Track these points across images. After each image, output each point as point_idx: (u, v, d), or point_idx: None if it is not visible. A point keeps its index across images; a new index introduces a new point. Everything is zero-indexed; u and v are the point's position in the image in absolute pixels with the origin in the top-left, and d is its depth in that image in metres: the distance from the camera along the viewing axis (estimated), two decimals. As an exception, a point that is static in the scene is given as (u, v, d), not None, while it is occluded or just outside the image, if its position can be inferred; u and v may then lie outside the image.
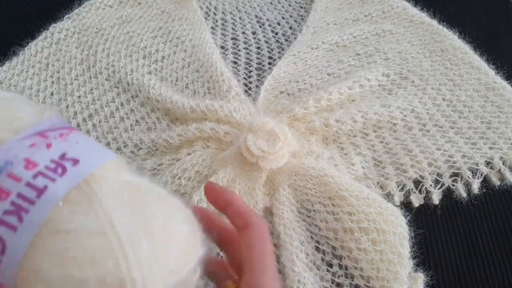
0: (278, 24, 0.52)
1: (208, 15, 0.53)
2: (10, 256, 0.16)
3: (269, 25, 0.52)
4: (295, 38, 0.48)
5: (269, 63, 0.47)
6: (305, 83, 0.43)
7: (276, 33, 0.51)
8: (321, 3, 0.52)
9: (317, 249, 0.32)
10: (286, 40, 0.49)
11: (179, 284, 0.17)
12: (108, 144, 0.40)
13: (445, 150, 0.38)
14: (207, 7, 0.54)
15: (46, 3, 0.53)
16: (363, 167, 0.38)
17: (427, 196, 0.36)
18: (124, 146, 0.40)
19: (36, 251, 0.15)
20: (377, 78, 0.43)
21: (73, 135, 0.19)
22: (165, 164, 0.38)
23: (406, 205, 0.36)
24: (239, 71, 0.46)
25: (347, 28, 0.49)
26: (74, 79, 0.45)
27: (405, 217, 0.33)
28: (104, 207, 0.16)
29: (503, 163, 0.37)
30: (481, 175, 0.36)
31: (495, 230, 0.35)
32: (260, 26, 0.52)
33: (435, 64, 0.44)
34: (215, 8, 0.54)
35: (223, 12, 0.53)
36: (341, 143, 0.39)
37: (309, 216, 0.33)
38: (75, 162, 0.17)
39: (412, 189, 0.37)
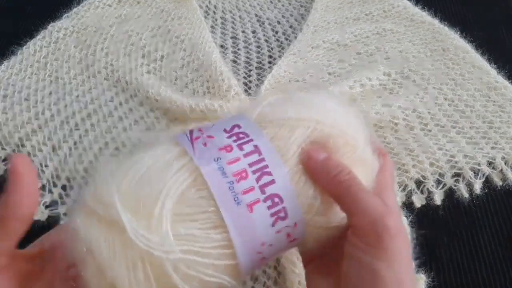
0: (278, 23, 0.52)
1: (208, 14, 0.53)
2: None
3: (269, 24, 0.51)
4: (296, 37, 0.48)
5: (269, 62, 0.47)
6: (305, 83, 0.43)
7: (276, 32, 0.50)
8: (322, 2, 0.51)
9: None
10: (287, 39, 0.49)
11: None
12: (106, 144, 0.40)
13: (446, 150, 0.37)
14: (206, 6, 0.54)
15: (45, 2, 0.52)
16: (364, 167, 0.37)
17: (429, 197, 0.36)
18: (123, 146, 0.39)
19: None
20: (378, 77, 0.42)
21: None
22: (164, 164, 0.37)
23: (407, 206, 0.36)
24: (238, 70, 0.46)
25: (348, 27, 0.48)
26: (73, 79, 0.45)
27: (407, 218, 0.33)
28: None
29: (505, 163, 0.37)
30: (483, 175, 0.36)
31: (497, 231, 0.35)
32: (260, 25, 0.51)
33: (436, 63, 0.44)
34: (215, 7, 0.54)
35: (222, 11, 0.53)
36: (342, 143, 0.39)
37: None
38: None
39: (413, 190, 0.36)
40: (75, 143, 0.40)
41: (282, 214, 0.21)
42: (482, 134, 0.39)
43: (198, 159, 0.20)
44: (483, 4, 0.52)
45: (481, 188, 0.36)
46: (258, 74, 0.46)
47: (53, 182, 0.37)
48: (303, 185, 0.21)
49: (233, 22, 0.52)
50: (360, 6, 0.51)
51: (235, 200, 0.20)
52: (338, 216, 0.22)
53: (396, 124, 0.40)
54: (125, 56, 0.46)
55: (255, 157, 0.21)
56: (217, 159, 0.21)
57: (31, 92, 0.43)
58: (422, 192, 0.36)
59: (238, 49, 0.48)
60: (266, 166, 0.21)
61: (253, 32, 0.50)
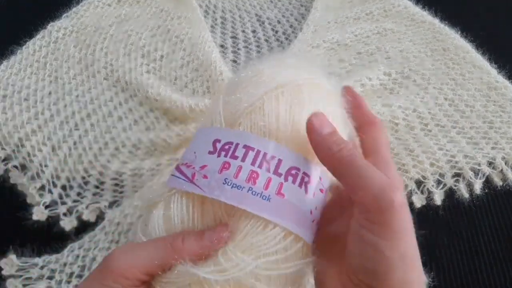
0: (279, 22, 0.51)
1: (208, 14, 0.52)
2: None
3: (269, 24, 0.51)
4: (296, 37, 0.48)
5: (269, 62, 0.47)
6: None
7: (276, 32, 0.50)
8: (322, 2, 0.51)
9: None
10: (287, 39, 0.49)
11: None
12: (106, 144, 0.40)
13: (447, 150, 0.37)
14: (206, 5, 0.53)
15: (44, 1, 0.52)
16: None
17: (429, 197, 0.36)
18: (122, 146, 0.39)
19: None
20: (378, 77, 0.42)
21: None
22: (164, 164, 0.37)
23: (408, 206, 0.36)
24: (238, 70, 0.46)
25: (348, 26, 0.48)
26: (72, 78, 0.44)
27: (407, 218, 0.33)
28: None
29: (505, 163, 0.37)
30: (483, 175, 0.36)
31: (497, 231, 0.35)
32: (260, 25, 0.51)
33: (436, 63, 0.44)
34: (215, 6, 0.53)
35: (222, 11, 0.53)
36: (342, 143, 0.39)
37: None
38: None
39: (414, 190, 0.36)
40: (74, 143, 0.40)
41: (306, 179, 0.22)
42: (482, 134, 0.39)
43: (210, 193, 0.21)
44: (483, 4, 0.52)
45: (481, 188, 0.36)
46: (258, 73, 0.45)
47: (53, 182, 0.37)
48: (304, 144, 0.22)
49: (233, 22, 0.52)
50: (360, 6, 0.51)
51: (264, 199, 0.21)
52: None
53: (396, 124, 0.39)
54: (124, 56, 0.46)
55: (251, 155, 0.22)
56: (225, 181, 0.21)
57: (30, 92, 0.43)
58: (422, 192, 0.36)
59: (238, 49, 0.48)
60: (265, 154, 0.22)
61: (253, 31, 0.50)
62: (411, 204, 0.36)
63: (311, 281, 0.24)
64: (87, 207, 0.36)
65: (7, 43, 0.47)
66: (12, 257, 0.33)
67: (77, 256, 0.34)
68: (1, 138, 0.39)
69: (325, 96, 0.25)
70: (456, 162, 0.37)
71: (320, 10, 0.50)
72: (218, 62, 0.43)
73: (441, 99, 0.41)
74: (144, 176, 0.37)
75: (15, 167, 0.38)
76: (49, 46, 0.47)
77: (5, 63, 0.45)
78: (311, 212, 0.22)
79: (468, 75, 0.43)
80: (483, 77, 0.42)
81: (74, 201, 0.37)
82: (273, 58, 0.27)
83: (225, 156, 0.22)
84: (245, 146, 0.22)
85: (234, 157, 0.22)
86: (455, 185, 0.36)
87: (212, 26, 0.51)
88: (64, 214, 0.36)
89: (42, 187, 0.37)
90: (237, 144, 0.22)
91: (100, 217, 0.36)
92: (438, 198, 0.36)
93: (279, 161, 0.22)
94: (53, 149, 0.39)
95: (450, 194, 0.36)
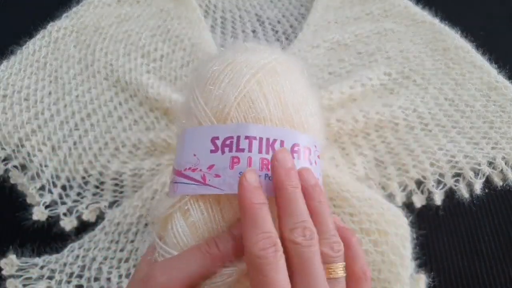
0: (279, 22, 0.51)
1: (208, 14, 0.52)
2: None
3: (269, 24, 0.51)
4: (296, 37, 0.48)
5: (269, 62, 0.46)
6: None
7: (277, 32, 0.50)
8: (322, 2, 0.51)
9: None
10: (287, 39, 0.49)
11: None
12: (106, 144, 0.40)
13: (447, 150, 0.37)
14: (206, 5, 0.53)
15: (44, 1, 0.52)
16: (364, 168, 0.37)
17: (429, 197, 0.36)
18: (122, 146, 0.39)
19: None
20: (378, 77, 0.42)
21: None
22: (164, 164, 0.37)
23: (408, 206, 0.36)
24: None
25: (348, 26, 0.48)
26: (72, 78, 0.44)
27: (407, 218, 0.33)
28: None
29: (505, 163, 0.37)
30: (483, 175, 0.36)
31: (497, 231, 0.35)
32: (260, 25, 0.51)
33: (437, 63, 0.44)
34: (215, 6, 0.53)
35: (222, 11, 0.53)
36: (342, 143, 0.39)
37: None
38: None
39: (414, 190, 0.36)
40: (74, 143, 0.40)
41: (306, 151, 0.23)
42: (482, 134, 0.39)
43: (229, 190, 0.22)
44: (483, 4, 0.52)
45: (481, 188, 0.36)
46: (258, 73, 0.45)
47: (53, 182, 0.37)
48: (294, 118, 0.23)
49: (233, 22, 0.52)
50: (360, 6, 0.51)
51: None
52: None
53: (396, 124, 0.39)
54: (124, 55, 0.46)
55: (255, 144, 0.22)
56: (240, 174, 0.22)
57: (30, 92, 0.43)
58: (422, 192, 0.36)
59: (238, 49, 0.48)
60: (268, 140, 0.22)
61: (253, 31, 0.50)
62: (411, 204, 0.36)
63: None
64: (87, 207, 0.36)
65: (7, 43, 0.46)
66: (12, 257, 0.33)
67: (77, 256, 0.34)
68: (1, 138, 0.39)
69: (293, 70, 0.26)
70: (456, 162, 0.37)
71: (320, 10, 0.50)
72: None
73: (441, 99, 0.41)
74: (144, 176, 0.37)
75: (15, 167, 0.38)
76: (49, 46, 0.47)
77: (5, 63, 0.45)
78: (318, 179, 0.23)
79: (468, 75, 0.43)
80: (483, 77, 0.42)
81: (74, 201, 0.37)
82: (231, 46, 0.28)
83: (230, 151, 0.22)
84: (247, 137, 0.22)
85: (240, 150, 0.22)
86: (455, 185, 0.36)
87: (212, 26, 0.51)
88: (64, 214, 0.36)
89: (42, 187, 0.37)
90: (238, 137, 0.22)
91: (100, 217, 0.36)
92: (438, 198, 0.36)
93: (281, 142, 0.23)
94: (53, 149, 0.39)
95: (450, 194, 0.36)
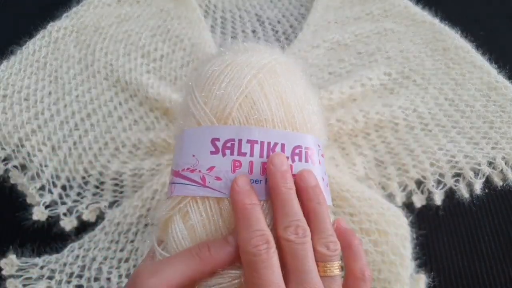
0: (279, 22, 0.51)
1: (207, 14, 0.52)
2: None
3: (269, 24, 0.51)
4: (296, 37, 0.48)
5: (269, 62, 0.46)
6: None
7: (276, 32, 0.50)
8: (322, 1, 0.51)
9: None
10: (287, 39, 0.49)
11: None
12: (106, 144, 0.40)
13: (447, 150, 0.37)
14: (206, 5, 0.53)
15: (44, 1, 0.52)
16: (364, 168, 0.37)
17: (429, 197, 0.36)
18: (123, 146, 0.39)
19: None
20: (378, 77, 0.42)
21: None
22: (164, 164, 0.37)
23: (408, 206, 0.36)
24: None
25: (348, 26, 0.48)
26: (72, 78, 0.44)
27: (407, 218, 0.33)
28: None
29: (505, 163, 0.37)
30: (483, 175, 0.36)
31: (497, 231, 0.35)
32: (260, 25, 0.51)
33: (437, 63, 0.44)
34: (215, 6, 0.53)
35: (222, 11, 0.53)
36: (342, 143, 0.39)
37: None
38: None
39: (414, 190, 0.36)
40: (74, 143, 0.40)
41: (309, 152, 0.23)
42: (482, 134, 0.39)
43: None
44: (483, 4, 0.52)
45: (481, 188, 0.36)
46: (258, 73, 0.45)
47: (53, 182, 0.37)
48: (296, 119, 0.23)
49: (233, 22, 0.52)
50: (360, 6, 0.51)
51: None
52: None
53: (396, 124, 0.39)
54: (124, 55, 0.46)
55: (257, 148, 0.22)
56: None
57: (30, 92, 0.43)
58: (422, 192, 0.36)
59: (238, 49, 0.48)
60: (269, 143, 0.22)
61: (253, 31, 0.50)
62: (411, 204, 0.36)
63: None
64: (87, 207, 0.36)
65: (7, 43, 0.46)
66: (12, 257, 0.33)
67: (77, 256, 0.34)
68: (1, 138, 0.39)
69: (293, 70, 0.25)
70: (456, 162, 0.37)
71: (320, 10, 0.50)
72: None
73: (441, 99, 0.41)
74: (144, 176, 0.37)
75: (15, 167, 0.38)
76: (49, 46, 0.47)
77: (5, 63, 0.45)
78: (323, 179, 0.23)
79: (468, 75, 0.43)
80: (483, 77, 0.42)
81: (74, 201, 0.37)
82: (229, 47, 0.27)
83: (231, 154, 0.22)
84: (249, 141, 0.22)
85: (242, 154, 0.22)
86: (455, 185, 0.36)
87: (212, 26, 0.51)
88: (64, 214, 0.36)
89: (42, 187, 0.37)
90: (240, 140, 0.22)
91: (100, 217, 0.36)
92: (438, 198, 0.36)
93: (283, 145, 0.22)
94: (53, 149, 0.39)
95: (450, 194, 0.36)
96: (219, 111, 0.23)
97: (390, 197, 0.36)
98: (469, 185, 0.36)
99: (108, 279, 0.33)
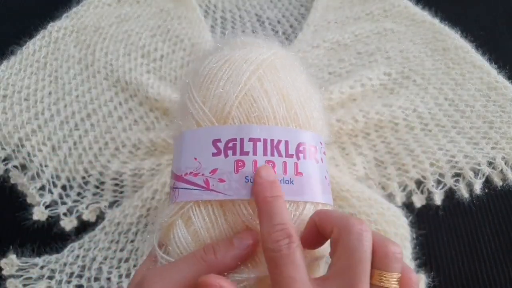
0: (279, 22, 0.51)
1: (207, 14, 0.52)
2: None
3: (269, 24, 0.51)
4: (296, 37, 0.48)
5: (269, 62, 0.46)
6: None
7: (277, 32, 0.50)
8: (322, 2, 0.51)
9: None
10: (287, 39, 0.49)
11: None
12: (106, 144, 0.40)
13: (447, 150, 0.37)
14: (206, 5, 0.53)
15: (44, 1, 0.52)
16: (364, 168, 0.37)
17: (429, 197, 0.36)
18: (123, 146, 0.39)
19: None
20: (378, 77, 0.42)
21: None
22: (164, 164, 0.37)
23: (408, 206, 0.36)
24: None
25: (348, 26, 0.48)
26: (72, 79, 0.44)
27: (407, 218, 0.33)
28: None
29: (505, 163, 0.37)
30: (483, 175, 0.36)
31: (497, 231, 0.35)
32: (260, 25, 0.51)
33: (437, 63, 0.44)
34: (215, 6, 0.53)
35: (222, 11, 0.53)
36: (342, 143, 0.39)
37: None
38: None
39: (414, 190, 0.36)
40: (74, 143, 0.40)
41: (312, 150, 0.23)
42: (482, 134, 0.39)
43: (235, 195, 0.21)
44: (483, 4, 0.52)
45: (481, 188, 0.36)
46: (258, 73, 0.45)
47: (53, 182, 0.37)
48: (298, 116, 0.23)
49: (233, 22, 0.52)
50: (360, 6, 0.51)
51: (287, 183, 0.21)
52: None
53: (396, 124, 0.39)
54: (124, 55, 0.46)
55: (260, 146, 0.21)
56: (246, 179, 0.21)
57: (30, 92, 0.43)
58: (422, 192, 0.36)
59: (238, 49, 0.48)
60: (272, 141, 0.21)
61: (253, 31, 0.50)
62: (411, 204, 0.36)
63: None
64: (87, 207, 0.36)
65: (7, 43, 0.46)
66: (12, 257, 0.33)
67: (77, 256, 0.34)
68: (1, 138, 0.39)
69: (293, 65, 0.25)
70: (456, 162, 0.37)
71: (320, 10, 0.50)
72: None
73: (441, 99, 0.41)
74: (144, 176, 0.37)
75: (15, 167, 0.38)
76: (49, 46, 0.47)
77: (5, 63, 0.45)
78: (325, 177, 0.23)
79: (468, 75, 0.43)
80: (483, 77, 0.42)
81: (74, 201, 0.37)
82: (226, 42, 0.26)
83: (234, 154, 0.21)
84: (251, 139, 0.21)
85: (245, 153, 0.21)
86: (455, 185, 0.36)
87: (212, 26, 0.51)
88: (64, 214, 0.36)
89: (42, 187, 0.37)
90: (241, 139, 0.21)
91: (100, 217, 0.36)
92: (438, 198, 0.36)
93: (286, 142, 0.22)
94: (53, 149, 0.39)
95: (450, 194, 0.36)
96: (218, 110, 0.22)
97: (390, 197, 0.36)
98: (469, 185, 0.36)
99: (108, 279, 0.33)
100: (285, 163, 0.21)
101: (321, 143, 0.24)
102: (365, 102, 0.41)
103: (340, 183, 0.33)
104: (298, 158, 0.22)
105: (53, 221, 0.36)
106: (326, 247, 0.22)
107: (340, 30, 0.48)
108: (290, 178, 0.21)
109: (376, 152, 0.38)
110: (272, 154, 0.21)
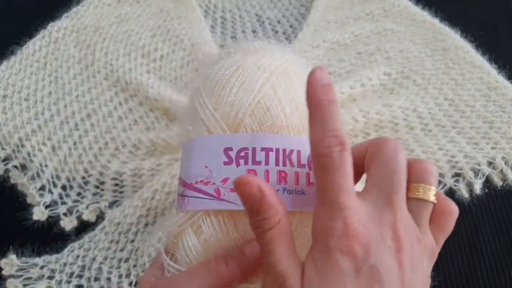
0: (279, 22, 0.51)
1: (207, 14, 0.52)
2: None
3: (269, 24, 0.51)
4: (296, 37, 0.48)
5: (269, 62, 0.46)
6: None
7: (276, 32, 0.50)
8: (322, 1, 0.51)
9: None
10: (287, 39, 0.49)
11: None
12: (106, 144, 0.40)
13: (447, 150, 0.37)
14: (206, 5, 0.53)
15: (44, 1, 0.52)
16: (364, 167, 0.37)
17: (429, 197, 0.36)
18: (123, 146, 0.39)
19: None
20: (378, 77, 0.42)
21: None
22: (164, 164, 0.37)
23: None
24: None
25: (348, 26, 0.48)
26: (72, 79, 0.44)
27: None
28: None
29: (505, 163, 0.37)
30: (483, 175, 0.36)
31: (497, 231, 0.35)
32: (260, 25, 0.51)
33: (437, 63, 0.44)
34: (215, 6, 0.53)
35: (222, 10, 0.53)
36: (342, 143, 0.39)
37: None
38: None
39: (413, 190, 0.36)
40: (74, 143, 0.40)
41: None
42: (482, 134, 0.39)
43: None
44: (483, 4, 0.52)
45: (481, 188, 0.36)
46: (258, 73, 0.45)
47: (53, 182, 0.37)
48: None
49: (233, 22, 0.52)
50: (360, 6, 0.51)
51: (299, 194, 0.21)
52: None
53: (396, 124, 0.39)
54: (124, 55, 0.46)
55: (272, 156, 0.21)
56: None
57: (30, 92, 0.43)
58: (422, 192, 0.36)
59: (238, 49, 0.48)
60: (285, 150, 0.21)
61: (253, 31, 0.50)
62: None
63: None
64: (87, 207, 0.36)
65: (7, 43, 0.46)
66: (12, 257, 0.33)
67: (77, 256, 0.34)
68: (1, 138, 0.39)
69: (305, 71, 0.24)
70: (456, 162, 0.37)
71: (320, 10, 0.50)
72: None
73: (441, 99, 0.41)
74: (144, 176, 0.37)
75: (15, 167, 0.38)
76: (49, 46, 0.47)
77: (5, 63, 0.45)
78: None
79: (468, 75, 0.43)
80: (483, 77, 0.42)
81: (74, 201, 0.37)
82: (237, 46, 0.25)
83: (246, 163, 0.21)
84: (263, 149, 0.21)
85: (257, 163, 0.21)
86: (455, 185, 0.36)
87: (212, 26, 0.51)
88: (64, 214, 0.36)
89: (42, 187, 0.37)
90: (254, 149, 0.21)
91: (100, 217, 0.36)
92: (438, 198, 0.36)
93: (299, 152, 0.21)
94: (53, 149, 0.39)
95: (450, 194, 0.36)
96: (230, 118, 0.21)
97: (390, 197, 0.36)
98: (469, 185, 0.36)
99: (108, 279, 0.33)
100: (297, 173, 0.21)
101: None
102: (365, 102, 0.41)
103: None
104: (310, 168, 0.21)
105: (53, 221, 0.36)
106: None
107: (340, 30, 0.48)
108: (302, 189, 0.21)
109: (376, 152, 0.38)
110: (284, 164, 0.21)
